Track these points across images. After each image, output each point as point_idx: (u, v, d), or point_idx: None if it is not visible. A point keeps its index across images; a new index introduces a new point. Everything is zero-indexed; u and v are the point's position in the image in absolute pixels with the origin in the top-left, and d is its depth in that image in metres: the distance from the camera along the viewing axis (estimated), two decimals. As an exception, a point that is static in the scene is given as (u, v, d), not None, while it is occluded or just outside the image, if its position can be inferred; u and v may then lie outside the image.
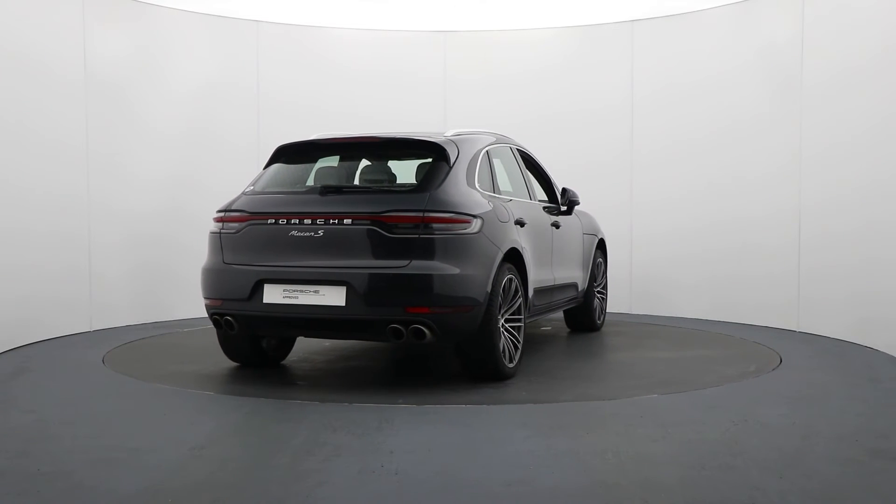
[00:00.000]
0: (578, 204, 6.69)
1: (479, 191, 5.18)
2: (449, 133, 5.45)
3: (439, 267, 4.70)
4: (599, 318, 7.44)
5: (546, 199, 6.60)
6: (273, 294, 4.89)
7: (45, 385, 5.18)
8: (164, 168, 7.97)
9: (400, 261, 4.70)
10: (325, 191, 5.05)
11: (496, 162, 5.91)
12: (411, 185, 5.12)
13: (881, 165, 6.29)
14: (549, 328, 7.53)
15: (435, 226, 4.74)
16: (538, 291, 5.77)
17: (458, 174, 5.09)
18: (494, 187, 5.49)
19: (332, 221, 4.82)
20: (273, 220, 4.97)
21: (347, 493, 3.15)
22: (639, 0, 8.60)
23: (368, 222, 4.77)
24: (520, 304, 5.29)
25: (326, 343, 6.56)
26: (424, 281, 4.67)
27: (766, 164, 7.61)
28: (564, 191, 6.60)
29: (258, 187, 5.37)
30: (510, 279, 5.16)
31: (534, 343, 6.74)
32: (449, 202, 4.85)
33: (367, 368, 5.72)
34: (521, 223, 5.46)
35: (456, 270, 4.73)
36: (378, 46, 8.97)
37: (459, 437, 3.91)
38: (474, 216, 4.89)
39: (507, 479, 3.28)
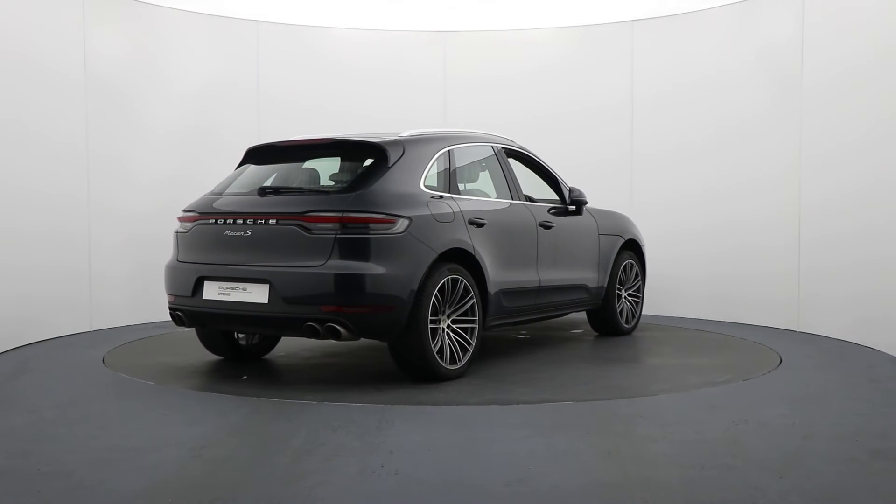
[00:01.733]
0: (585, 203, 6.57)
1: (425, 191, 5.20)
2: (405, 133, 5.49)
3: (355, 266, 4.77)
4: (629, 322, 7.17)
5: (557, 199, 6.56)
6: (211, 291, 5.16)
7: (45, 385, 5.18)
8: (164, 168, 7.97)
9: (317, 260, 4.81)
10: (262, 192, 5.20)
11: (466, 162, 5.90)
12: (343, 185, 5.19)
13: (881, 166, 6.29)
14: (579, 331, 7.40)
15: (353, 226, 4.82)
16: (511, 293, 5.70)
17: (397, 174, 5.12)
18: (451, 187, 5.48)
19: (259, 221, 5.02)
20: (213, 221, 5.23)
21: (347, 493, 3.15)
22: (639, 0, 8.60)
23: (291, 223, 4.91)
24: (472, 305, 5.28)
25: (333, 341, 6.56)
26: (338, 280, 4.76)
27: (767, 165, 7.61)
28: (570, 191, 6.55)
29: (217, 188, 5.61)
30: (455, 280, 5.15)
31: (541, 345, 6.74)
32: (373, 202, 4.90)
33: (366, 368, 5.71)
34: (477, 223, 5.42)
35: (375, 270, 4.78)
36: (378, 46, 8.97)
37: (459, 437, 3.91)
38: (399, 216, 4.91)
39: (507, 479, 3.28)
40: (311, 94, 8.69)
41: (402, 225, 4.90)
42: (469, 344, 5.27)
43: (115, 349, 6.36)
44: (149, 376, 5.34)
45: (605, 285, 6.89)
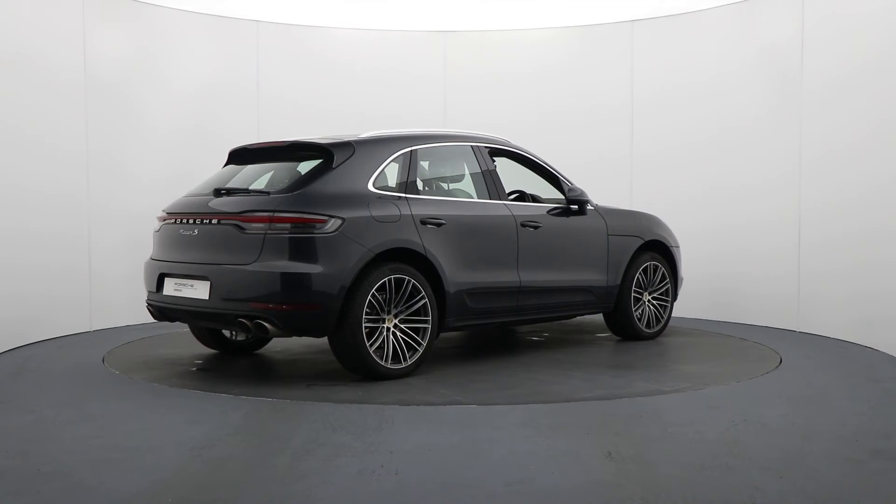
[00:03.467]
0: (585, 202, 6.42)
1: (372, 191, 5.25)
2: (365, 134, 5.56)
3: (281, 265, 4.90)
4: (651, 327, 6.89)
5: (561, 199, 6.52)
6: (169, 287, 5.45)
7: (45, 385, 5.18)
8: (164, 168, 7.96)
9: (248, 259, 4.98)
10: (217, 193, 5.37)
11: (434, 162, 5.93)
12: (284, 186, 5.26)
13: (882, 168, 6.28)
14: (605, 334, 7.22)
15: (282, 226, 4.94)
16: (479, 293, 5.64)
17: (341, 175, 5.21)
18: (409, 187, 5.47)
19: (205, 221, 5.25)
20: (173, 220, 5.50)
21: (347, 493, 3.16)
22: (639, 0, 8.60)
23: (230, 222, 5.11)
24: (424, 305, 5.28)
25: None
26: (264, 278, 4.91)
27: (767, 166, 7.60)
28: (570, 190, 6.42)
29: (194, 189, 5.78)
30: (400, 279, 5.17)
31: (552, 347, 6.73)
32: (304, 203, 5.00)
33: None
34: (434, 223, 5.40)
35: (301, 269, 4.89)
36: (378, 46, 8.97)
37: (459, 437, 3.92)
38: (331, 216, 4.98)
39: (507, 479, 3.28)
40: (310, 94, 8.69)
41: (333, 225, 4.97)
42: (419, 344, 5.28)
43: (115, 349, 6.36)
44: (149, 376, 5.35)
45: (617, 288, 6.69)
